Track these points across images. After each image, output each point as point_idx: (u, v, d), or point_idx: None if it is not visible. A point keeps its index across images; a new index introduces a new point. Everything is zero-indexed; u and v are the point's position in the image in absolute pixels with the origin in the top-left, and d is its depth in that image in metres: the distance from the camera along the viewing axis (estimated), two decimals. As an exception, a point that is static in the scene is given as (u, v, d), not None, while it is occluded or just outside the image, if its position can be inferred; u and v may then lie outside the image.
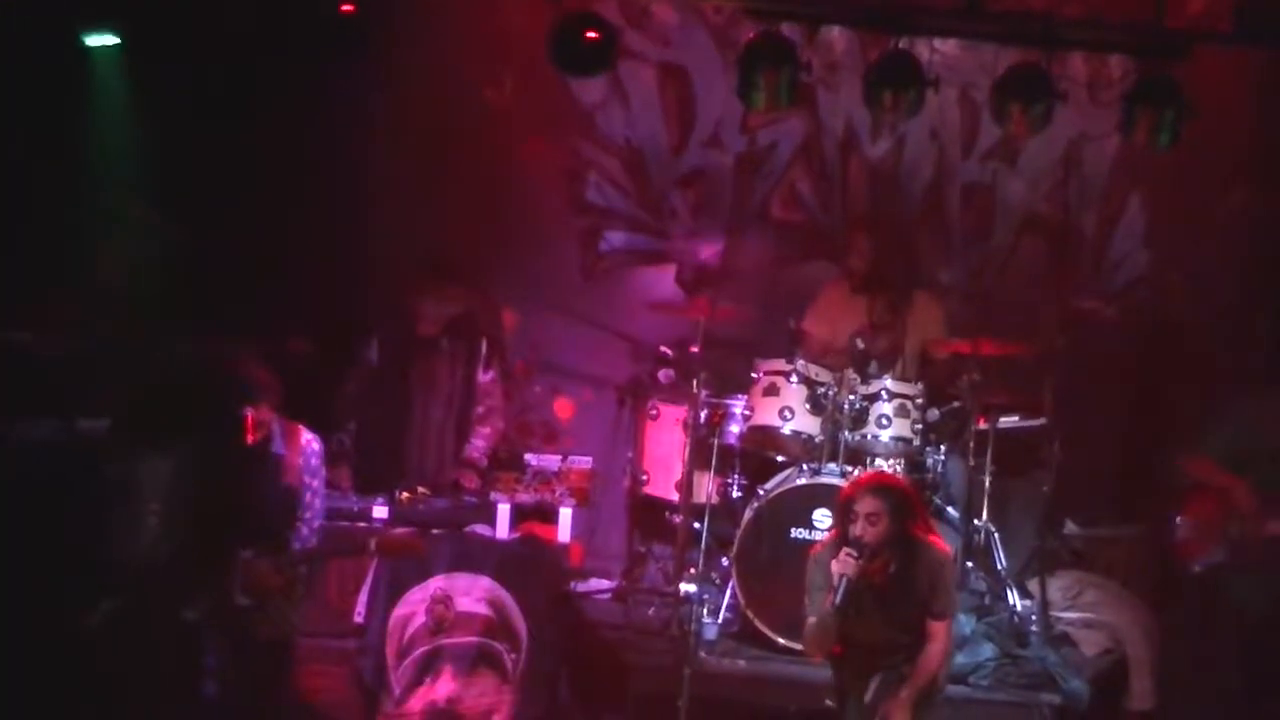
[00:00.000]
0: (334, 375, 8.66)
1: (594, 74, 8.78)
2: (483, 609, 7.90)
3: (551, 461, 8.25)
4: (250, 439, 7.35)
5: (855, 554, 6.62)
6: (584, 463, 8.29)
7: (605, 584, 9.06)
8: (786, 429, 8.51)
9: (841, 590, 6.59)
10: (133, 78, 8.62)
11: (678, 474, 8.76)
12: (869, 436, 8.48)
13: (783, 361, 8.53)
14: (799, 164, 9.88)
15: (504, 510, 8.10)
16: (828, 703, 6.98)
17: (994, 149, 9.77)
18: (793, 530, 8.25)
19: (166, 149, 8.62)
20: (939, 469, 8.57)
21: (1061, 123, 8.68)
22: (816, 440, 8.50)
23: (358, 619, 7.94)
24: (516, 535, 8.14)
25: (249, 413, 7.33)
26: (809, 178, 9.89)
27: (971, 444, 8.58)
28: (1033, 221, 9.88)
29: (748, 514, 8.42)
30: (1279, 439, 7.63)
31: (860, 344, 8.68)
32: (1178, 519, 7.76)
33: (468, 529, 8.17)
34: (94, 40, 8.50)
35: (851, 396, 8.50)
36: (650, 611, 8.62)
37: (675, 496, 8.82)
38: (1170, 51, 8.19)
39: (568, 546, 8.35)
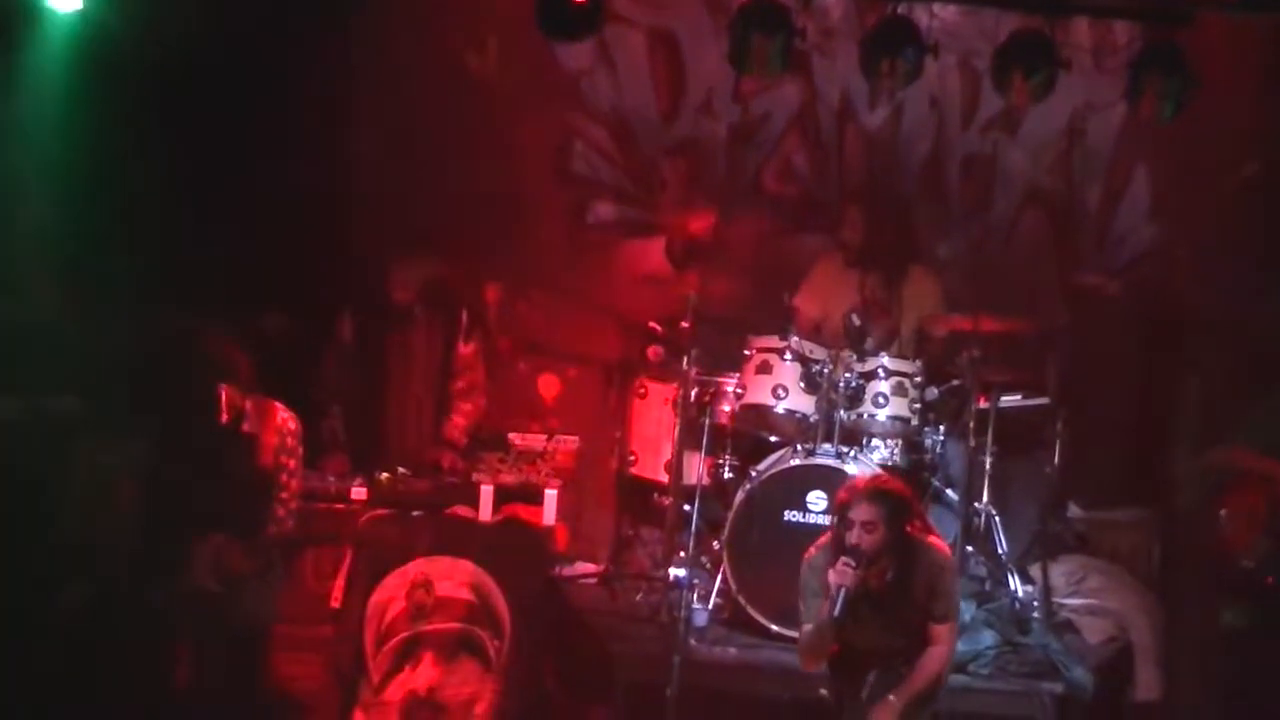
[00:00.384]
0: (311, 351, 8.59)
1: (580, 39, 8.75)
2: (465, 594, 7.80)
3: (536, 441, 8.21)
4: (222, 418, 7.29)
5: (853, 563, 6.63)
6: (570, 443, 8.27)
7: (592, 568, 9.01)
8: (780, 408, 8.44)
9: (840, 601, 6.60)
10: (98, 42, 8.42)
11: (667, 455, 8.75)
12: (865, 416, 8.42)
13: (776, 338, 8.47)
14: (793, 134, 9.85)
15: (487, 492, 8.00)
16: (822, 692, 6.99)
17: (995, 119, 9.72)
18: (786, 513, 8.21)
19: (134, 117, 8.45)
20: (938, 450, 8.55)
21: (1065, 92, 8.62)
22: (811, 419, 8.42)
23: (335, 604, 7.84)
24: (500, 518, 8.05)
25: (220, 391, 7.28)
26: (804, 148, 9.87)
27: (972, 424, 8.49)
28: (1035, 194, 9.83)
29: (739, 496, 8.36)
30: None
31: (855, 320, 8.62)
32: (1221, 512, 7.71)
33: (449, 511, 8.08)
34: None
35: (847, 374, 8.44)
36: (638, 597, 8.59)
37: (664, 478, 8.80)
38: (1175, 17, 8.19)
39: (553, 529, 8.24)
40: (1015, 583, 8.47)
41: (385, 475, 8.04)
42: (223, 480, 7.26)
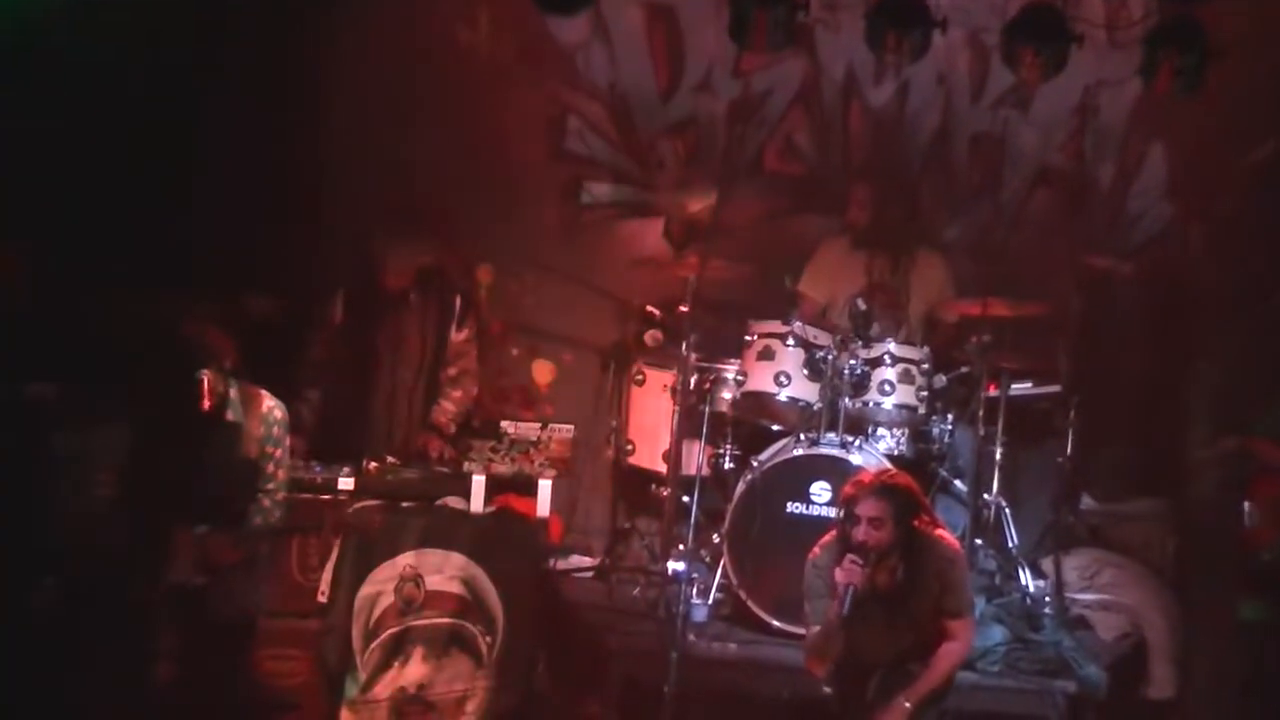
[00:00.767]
0: (298, 337, 8.53)
1: (575, 12, 8.72)
2: (455, 588, 7.71)
3: (530, 430, 8.06)
4: (205, 405, 7.21)
5: (860, 562, 6.63)
6: (565, 431, 8.10)
7: (587, 561, 9.02)
8: (782, 395, 8.39)
9: (848, 600, 6.60)
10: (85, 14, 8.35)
11: (665, 444, 8.71)
12: (870, 404, 8.37)
13: (778, 323, 8.43)
14: (796, 111, 9.79)
15: (479, 482, 7.91)
16: (825, 690, 6.98)
17: (1005, 95, 9.62)
18: (789, 504, 8.15)
19: (116, 92, 8.32)
20: (946, 439, 8.49)
21: (1077, 67, 8.61)
22: (814, 408, 8.36)
23: (322, 598, 7.76)
24: (492, 508, 7.97)
25: (204, 377, 7.19)
26: (807, 126, 9.82)
27: (981, 412, 8.47)
28: (1046, 173, 9.78)
29: (740, 487, 8.31)
30: None
31: (861, 305, 8.56)
32: (1245, 505, 7.70)
33: (440, 501, 8.00)
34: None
35: (852, 361, 8.38)
36: (635, 591, 8.52)
37: (662, 468, 8.76)
38: (1192, -12, 8.24)
39: (547, 521, 8.18)
40: (1026, 577, 8.45)
41: (374, 464, 7.96)
42: (205, 470, 7.16)
